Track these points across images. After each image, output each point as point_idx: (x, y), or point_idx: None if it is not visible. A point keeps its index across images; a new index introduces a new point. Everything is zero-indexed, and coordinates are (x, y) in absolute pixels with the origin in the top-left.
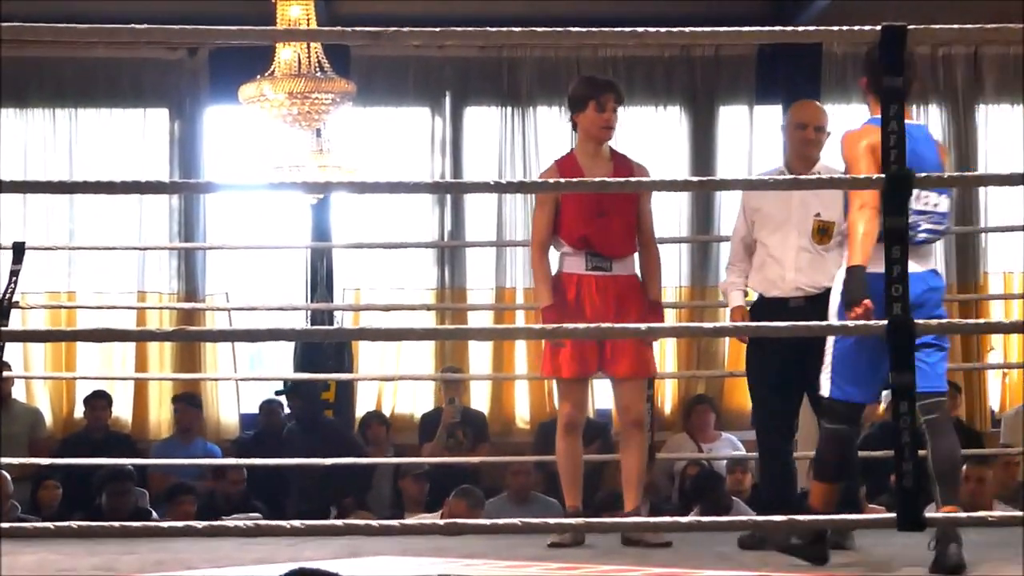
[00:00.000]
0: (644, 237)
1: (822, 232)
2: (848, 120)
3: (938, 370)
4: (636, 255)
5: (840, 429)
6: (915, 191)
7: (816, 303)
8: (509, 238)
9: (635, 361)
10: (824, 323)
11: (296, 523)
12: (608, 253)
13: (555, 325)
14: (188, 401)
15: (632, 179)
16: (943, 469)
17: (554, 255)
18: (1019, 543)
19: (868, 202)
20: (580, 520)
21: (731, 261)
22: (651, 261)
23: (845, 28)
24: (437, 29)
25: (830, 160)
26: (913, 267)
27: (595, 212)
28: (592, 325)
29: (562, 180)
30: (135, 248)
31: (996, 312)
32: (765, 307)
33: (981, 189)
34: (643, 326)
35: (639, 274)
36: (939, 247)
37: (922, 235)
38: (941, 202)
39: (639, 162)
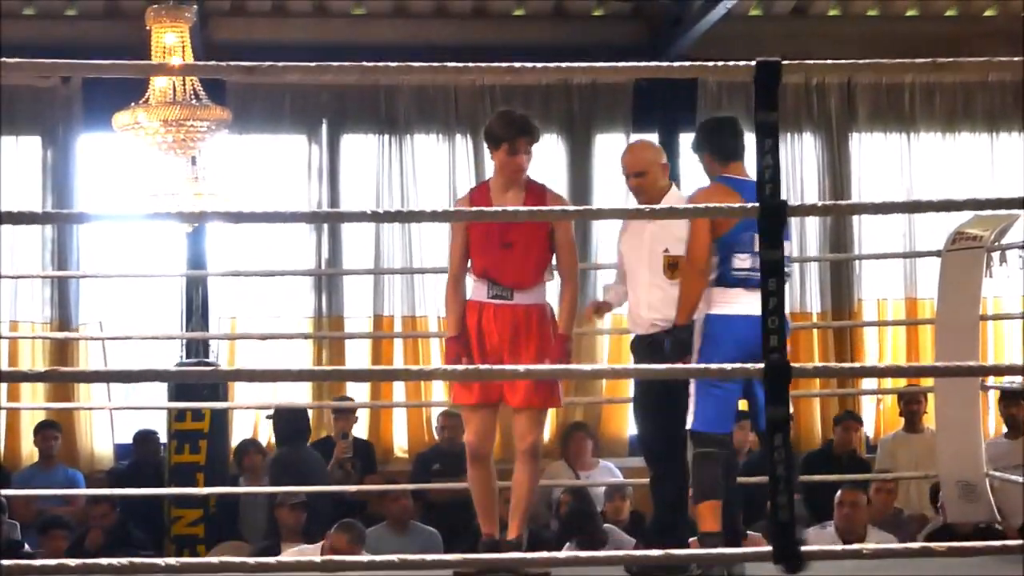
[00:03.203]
0: (561, 269)
1: (673, 267)
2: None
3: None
4: (548, 285)
5: (711, 452)
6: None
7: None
8: (387, 266)
9: (532, 392)
10: (702, 366)
11: (171, 561)
12: (507, 283)
13: (433, 367)
14: (50, 427)
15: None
16: None
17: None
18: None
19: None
20: (457, 556)
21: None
22: (564, 295)
23: (720, 64)
24: (312, 64)
25: (687, 190)
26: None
27: (499, 243)
28: (471, 367)
29: (439, 210)
30: (6, 276)
31: (870, 339)
32: (635, 343)
33: (854, 216)
34: (521, 368)
35: (549, 304)
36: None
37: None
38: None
39: (556, 192)
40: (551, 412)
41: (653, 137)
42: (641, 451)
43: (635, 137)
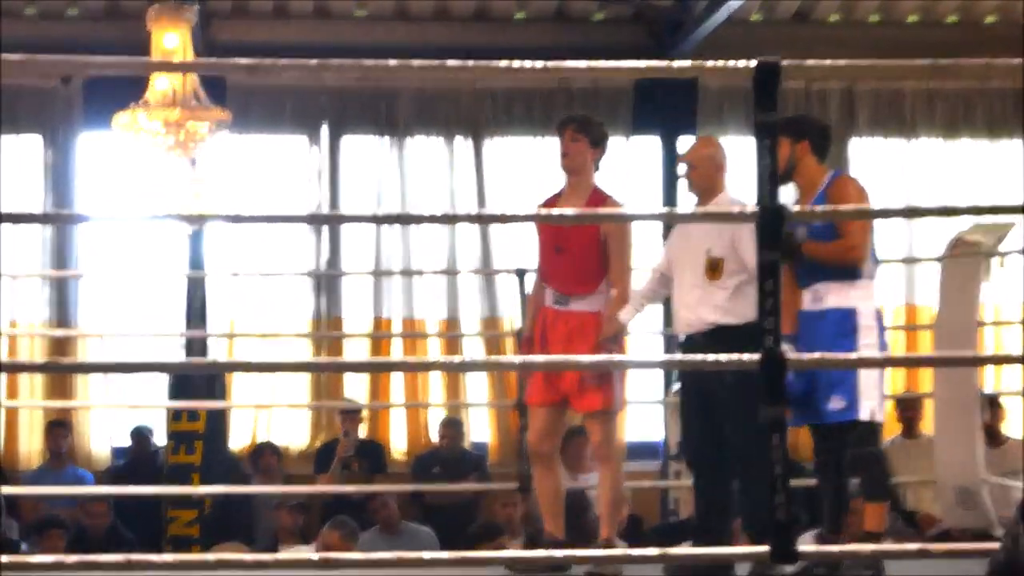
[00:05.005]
0: (610, 275)
1: (713, 268)
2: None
3: None
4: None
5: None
6: None
7: (713, 338)
8: (386, 267)
9: (593, 396)
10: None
11: (167, 557)
12: (560, 289)
13: (435, 359)
14: (60, 426)
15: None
16: None
17: None
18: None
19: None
20: (456, 554)
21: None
22: (611, 299)
23: (720, 64)
24: (313, 61)
25: (737, 193)
26: None
27: (553, 248)
28: (467, 360)
29: (439, 214)
30: (6, 275)
31: None
32: (679, 345)
33: None
34: (517, 359)
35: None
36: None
37: None
38: None
39: (617, 201)
40: None
41: (653, 140)
42: (700, 455)
43: (636, 140)
